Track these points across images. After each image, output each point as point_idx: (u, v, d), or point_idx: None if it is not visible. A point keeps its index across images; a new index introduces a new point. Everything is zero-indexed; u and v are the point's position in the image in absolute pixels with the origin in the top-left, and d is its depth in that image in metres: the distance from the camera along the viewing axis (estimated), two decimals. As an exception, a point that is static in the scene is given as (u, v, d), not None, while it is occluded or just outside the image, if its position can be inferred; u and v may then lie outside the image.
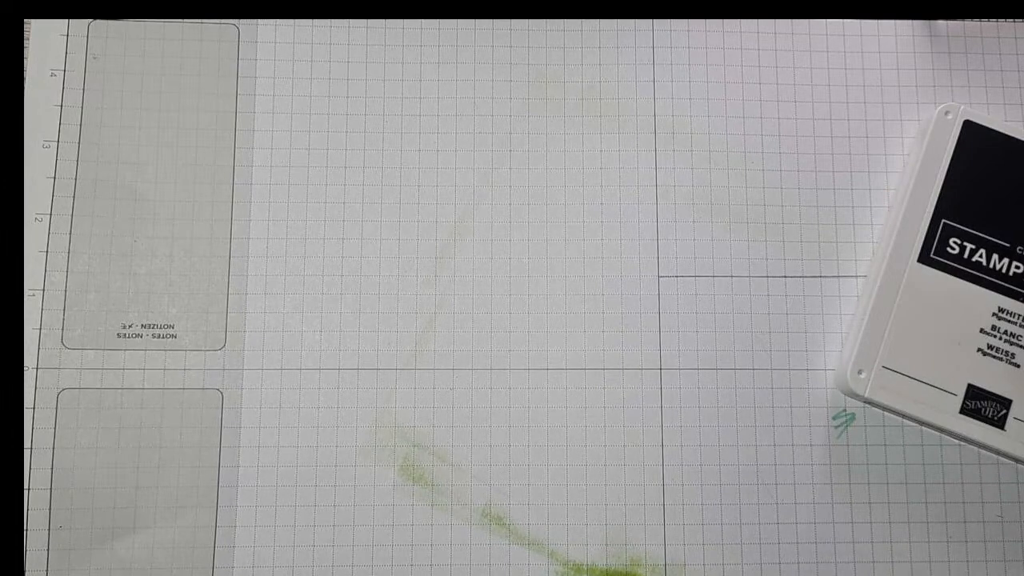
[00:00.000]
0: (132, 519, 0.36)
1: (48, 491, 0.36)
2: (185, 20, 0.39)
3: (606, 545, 0.36)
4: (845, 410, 0.37)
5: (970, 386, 0.36)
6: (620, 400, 0.37)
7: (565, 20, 0.40)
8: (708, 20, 0.40)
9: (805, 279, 0.38)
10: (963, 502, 0.37)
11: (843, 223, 0.39)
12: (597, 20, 0.40)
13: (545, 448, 0.37)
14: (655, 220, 0.39)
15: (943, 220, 0.37)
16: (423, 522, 0.36)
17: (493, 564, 0.36)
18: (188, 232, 0.38)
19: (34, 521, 0.35)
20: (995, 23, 0.40)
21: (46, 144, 0.38)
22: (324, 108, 0.39)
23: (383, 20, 0.40)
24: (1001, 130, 0.38)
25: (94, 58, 0.39)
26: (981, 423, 0.36)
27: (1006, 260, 0.37)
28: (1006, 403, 0.36)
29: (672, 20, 0.40)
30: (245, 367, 0.37)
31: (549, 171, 0.39)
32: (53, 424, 0.36)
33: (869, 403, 0.37)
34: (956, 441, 0.37)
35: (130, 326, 0.37)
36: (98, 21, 0.39)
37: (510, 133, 0.39)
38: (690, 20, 0.40)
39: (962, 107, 0.38)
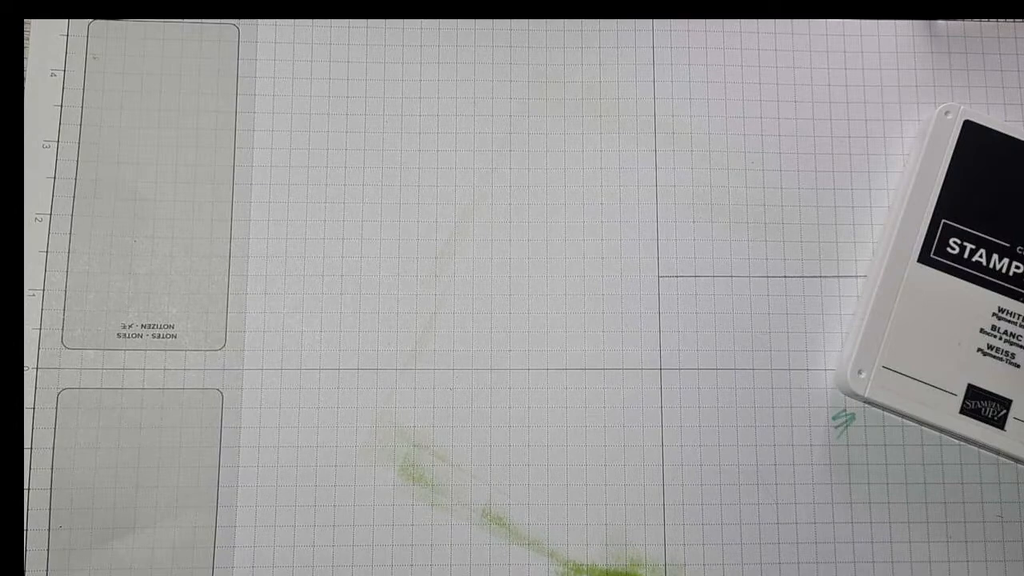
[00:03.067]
0: (132, 519, 0.36)
1: (48, 491, 0.36)
2: (185, 20, 0.39)
3: (606, 545, 0.36)
4: (845, 410, 0.37)
5: (970, 386, 0.36)
6: (620, 400, 0.37)
7: (565, 20, 0.40)
8: (708, 20, 0.40)
9: (805, 279, 0.38)
10: (963, 502, 0.37)
11: (843, 223, 0.39)
12: (597, 20, 0.40)
13: (545, 448, 0.37)
14: (655, 220, 0.39)
15: (943, 220, 0.37)
16: (423, 522, 0.36)
17: (493, 564, 0.36)
18: (188, 232, 0.38)
19: (34, 521, 0.35)
20: (995, 23, 0.40)
21: (46, 144, 0.38)
22: (324, 108, 0.39)
23: (383, 20, 0.40)
24: (1001, 130, 0.38)
25: (94, 58, 0.39)
26: (981, 423, 0.36)
27: (1006, 260, 0.37)
28: (1006, 403, 0.36)
29: (672, 20, 0.40)
30: (245, 367, 0.37)
31: (549, 171, 0.39)
32: (53, 424, 0.36)
33: (869, 403, 0.37)
34: (956, 441, 0.37)
35: (130, 326, 0.37)
36: (98, 21, 0.39)
37: (510, 133, 0.39)
38: (690, 20, 0.40)
39: (962, 107, 0.38)
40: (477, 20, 0.40)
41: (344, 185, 0.38)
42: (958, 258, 0.37)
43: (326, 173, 0.38)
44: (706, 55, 0.40)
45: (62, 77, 0.38)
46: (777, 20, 0.40)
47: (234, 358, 0.37)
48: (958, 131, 0.38)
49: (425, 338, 0.38)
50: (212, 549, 0.36)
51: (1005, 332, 0.36)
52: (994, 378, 0.36)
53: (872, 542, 0.37)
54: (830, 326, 0.38)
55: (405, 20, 0.40)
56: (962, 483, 0.37)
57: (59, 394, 0.36)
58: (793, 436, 0.37)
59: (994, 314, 0.37)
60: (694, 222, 0.39)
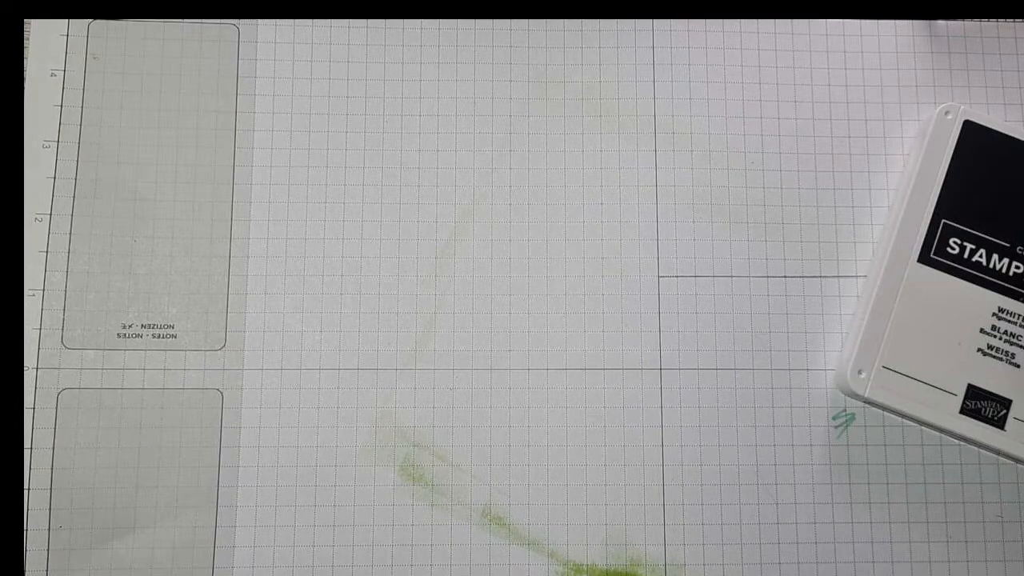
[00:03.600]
0: (132, 519, 0.36)
1: (48, 491, 0.36)
2: (185, 20, 0.39)
3: (606, 545, 0.36)
4: (845, 410, 0.37)
5: (970, 386, 0.36)
6: (620, 400, 0.37)
7: (565, 20, 0.40)
8: (708, 20, 0.40)
9: (805, 279, 0.38)
10: (963, 502, 0.37)
11: (843, 223, 0.39)
12: (597, 20, 0.40)
13: (545, 448, 0.37)
14: (655, 220, 0.39)
15: (943, 220, 0.37)
16: (423, 522, 0.36)
17: (493, 564, 0.36)
18: (188, 232, 0.38)
19: (34, 521, 0.35)
20: (995, 23, 0.40)
21: (46, 144, 0.38)
22: (324, 108, 0.39)
23: (383, 20, 0.40)
24: (1001, 130, 0.38)
25: (94, 58, 0.39)
26: (981, 423, 0.36)
27: (1006, 260, 0.37)
28: (1006, 403, 0.36)
29: (672, 20, 0.40)
30: (245, 367, 0.37)
31: (549, 171, 0.39)
32: (53, 424, 0.36)
33: (869, 403, 0.37)
34: (956, 441, 0.37)
35: (130, 326, 0.37)
36: (98, 21, 0.39)
37: (510, 133, 0.39)
38: (690, 20, 0.40)
39: (962, 107, 0.38)
40: (477, 20, 0.40)
41: (344, 185, 0.38)
42: (958, 258, 0.37)
43: (326, 173, 0.38)
44: (706, 55, 0.40)
45: (62, 77, 0.38)
46: (777, 20, 0.40)
47: (234, 358, 0.37)
48: (958, 131, 0.38)
49: (425, 338, 0.38)
50: (212, 549, 0.36)
51: (1005, 332, 0.36)
52: (994, 378, 0.36)
53: (872, 542, 0.37)
54: (830, 326, 0.38)
55: (405, 20, 0.40)
56: (962, 483, 0.37)
57: (59, 394, 0.36)
58: (793, 436, 0.37)
59: (994, 314, 0.37)
60: (694, 222, 0.39)
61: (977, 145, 0.37)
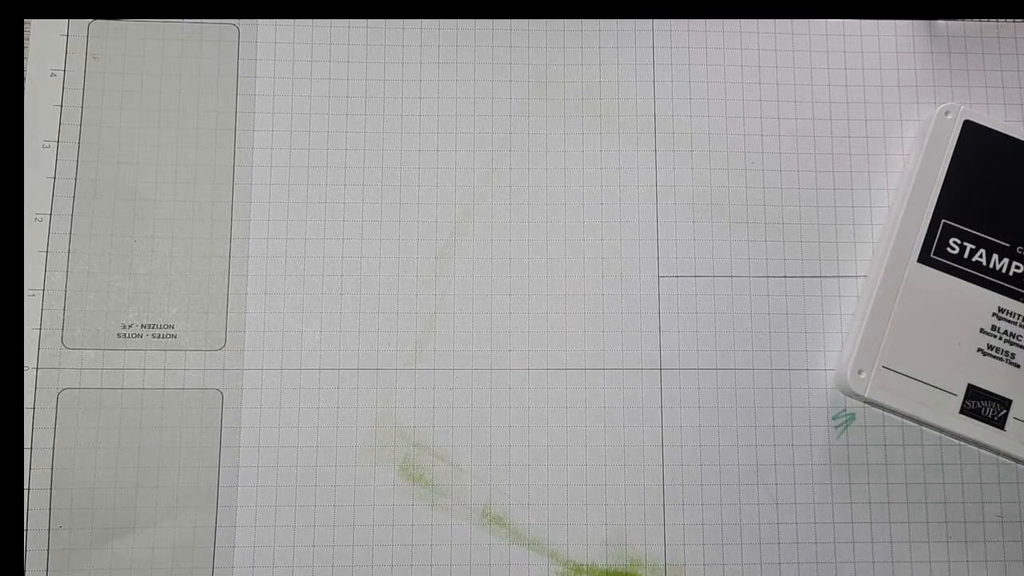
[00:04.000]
0: (132, 519, 0.36)
1: (48, 491, 0.36)
2: (185, 20, 0.39)
3: (606, 545, 0.36)
4: (845, 410, 0.37)
5: (970, 386, 0.36)
6: (620, 400, 0.37)
7: (565, 20, 0.40)
8: (708, 20, 0.40)
9: (805, 279, 0.38)
10: (963, 502, 0.37)
11: (843, 223, 0.39)
12: (597, 20, 0.40)
13: (545, 448, 0.37)
14: (655, 220, 0.39)
15: (943, 220, 0.37)
16: (423, 522, 0.36)
17: (493, 564, 0.36)
18: (188, 232, 0.38)
19: (34, 521, 0.35)
20: (995, 23, 0.40)
21: (46, 144, 0.38)
22: (324, 108, 0.39)
23: (383, 20, 0.40)
24: (1001, 130, 0.38)
25: (94, 58, 0.39)
26: (981, 423, 0.36)
27: (1006, 260, 0.37)
28: (1006, 403, 0.36)
29: (672, 20, 0.40)
30: (245, 367, 0.37)
31: (549, 171, 0.39)
32: (53, 424, 0.36)
33: (869, 403, 0.37)
34: (956, 441, 0.37)
35: (130, 326, 0.37)
36: (98, 21, 0.39)
37: (510, 133, 0.39)
38: (690, 20, 0.40)
39: (962, 107, 0.38)
40: (477, 20, 0.40)
41: (344, 185, 0.38)
42: (958, 258, 0.37)
43: (326, 173, 0.38)
44: (706, 55, 0.40)
45: (62, 77, 0.38)
46: (777, 20, 0.40)
47: (234, 358, 0.37)
48: (958, 131, 0.38)
49: (425, 338, 0.38)
50: (212, 549, 0.36)
51: (1005, 332, 0.36)
52: (994, 378, 0.36)
53: (872, 542, 0.37)
54: (830, 326, 0.38)
55: (405, 20, 0.40)
56: (962, 483, 0.37)
57: (59, 394, 0.36)
58: (793, 436, 0.37)
59: (994, 314, 0.37)
60: (694, 222, 0.39)
61: (977, 145, 0.37)
